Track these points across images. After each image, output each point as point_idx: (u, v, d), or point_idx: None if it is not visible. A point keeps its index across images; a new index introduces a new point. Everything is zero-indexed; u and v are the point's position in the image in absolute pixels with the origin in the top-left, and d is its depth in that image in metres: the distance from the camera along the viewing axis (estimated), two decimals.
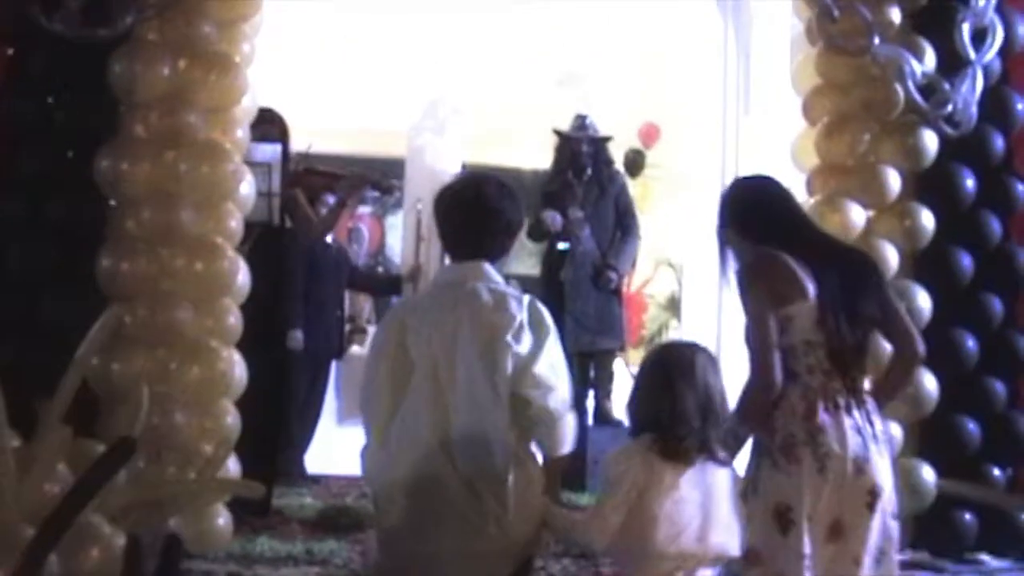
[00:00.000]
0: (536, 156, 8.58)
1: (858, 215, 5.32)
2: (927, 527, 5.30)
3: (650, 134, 10.57)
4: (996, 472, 5.37)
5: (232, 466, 4.80)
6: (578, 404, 8.17)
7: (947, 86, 5.24)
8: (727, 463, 3.53)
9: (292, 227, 6.21)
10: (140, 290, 4.64)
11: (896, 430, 5.25)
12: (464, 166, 8.97)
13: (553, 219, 7.62)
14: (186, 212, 4.69)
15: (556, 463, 3.51)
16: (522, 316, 3.43)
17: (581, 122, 8.16)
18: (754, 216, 3.72)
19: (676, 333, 9.96)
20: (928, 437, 5.35)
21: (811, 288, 3.51)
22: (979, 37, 5.31)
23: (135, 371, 4.58)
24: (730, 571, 3.57)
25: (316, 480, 6.92)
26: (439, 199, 3.64)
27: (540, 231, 7.62)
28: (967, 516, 5.31)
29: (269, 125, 5.60)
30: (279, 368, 5.83)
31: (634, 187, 10.89)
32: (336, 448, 6.83)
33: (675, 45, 8.69)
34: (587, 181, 8.10)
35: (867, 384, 3.57)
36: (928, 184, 5.41)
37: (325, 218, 6.08)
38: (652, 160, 10.94)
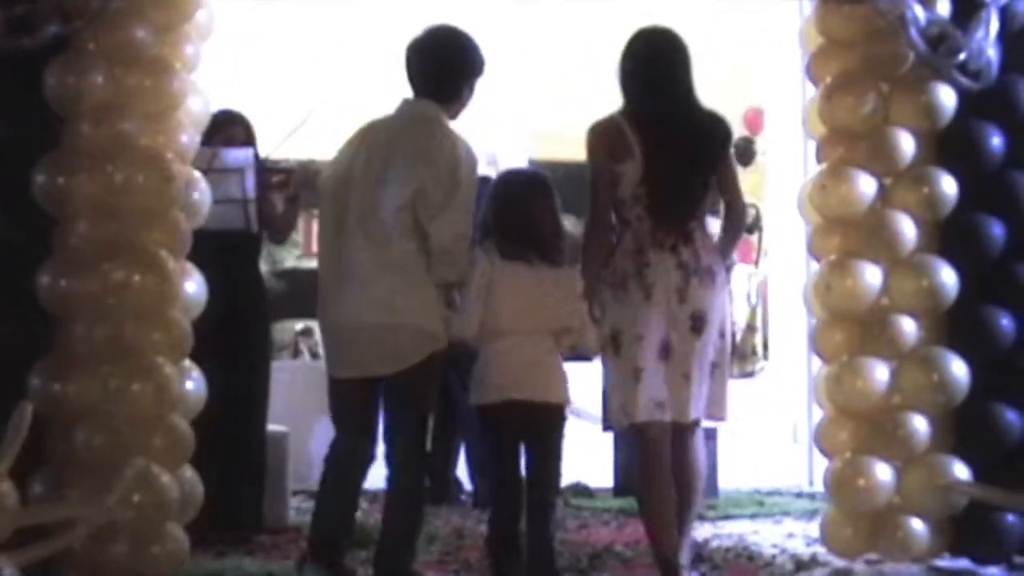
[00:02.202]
0: None
1: (868, 185, 4.78)
2: (965, 531, 4.75)
3: (755, 120, 10.00)
4: None
5: (188, 487, 4.63)
6: None
7: (959, 32, 4.66)
8: (560, 264, 4.37)
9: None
10: (81, 306, 4.50)
11: (921, 423, 4.71)
12: (529, 161, 8.69)
13: None
14: (126, 224, 4.53)
15: (448, 286, 4.29)
16: (451, 164, 4.18)
17: None
18: (620, 77, 4.49)
19: None
20: (961, 430, 4.76)
21: (639, 149, 4.27)
22: None
23: (78, 390, 4.47)
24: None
25: None
26: (410, 46, 4.40)
27: None
28: (1009, 518, 4.69)
29: (232, 127, 5.41)
30: (256, 383, 5.65)
31: (747, 175, 10.39)
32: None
33: (769, 24, 8.15)
34: None
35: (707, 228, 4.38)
36: (948, 145, 4.83)
37: (283, 217, 5.75)
38: (763, 146, 10.37)
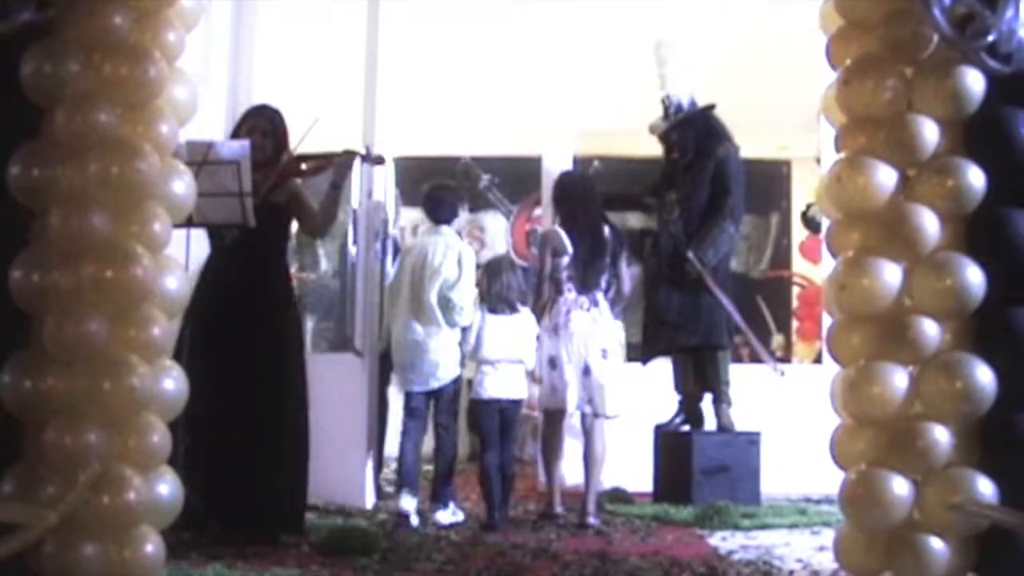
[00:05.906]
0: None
1: (888, 176, 4.43)
2: (989, 551, 4.36)
3: None
4: None
5: (166, 489, 4.47)
6: (690, 412, 7.46)
7: (988, 12, 4.29)
8: (519, 311, 6.85)
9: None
10: (53, 302, 4.35)
11: (943, 434, 4.35)
12: (574, 158, 8.55)
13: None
14: (98, 217, 4.36)
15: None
16: (456, 258, 6.85)
17: (665, 108, 7.55)
18: (553, 203, 7.33)
19: None
20: (986, 443, 4.38)
21: (569, 248, 6.90)
22: None
23: (50, 388, 4.33)
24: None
25: None
26: (424, 197, 7.24)
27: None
28: None
29: (258, 117, 5.45)
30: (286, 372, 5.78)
31: None
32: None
33: None
34: (692, 159, 7.52)
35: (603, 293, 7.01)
36: (975, 134, 4.45)
37: (324, 207, 5.80)
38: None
